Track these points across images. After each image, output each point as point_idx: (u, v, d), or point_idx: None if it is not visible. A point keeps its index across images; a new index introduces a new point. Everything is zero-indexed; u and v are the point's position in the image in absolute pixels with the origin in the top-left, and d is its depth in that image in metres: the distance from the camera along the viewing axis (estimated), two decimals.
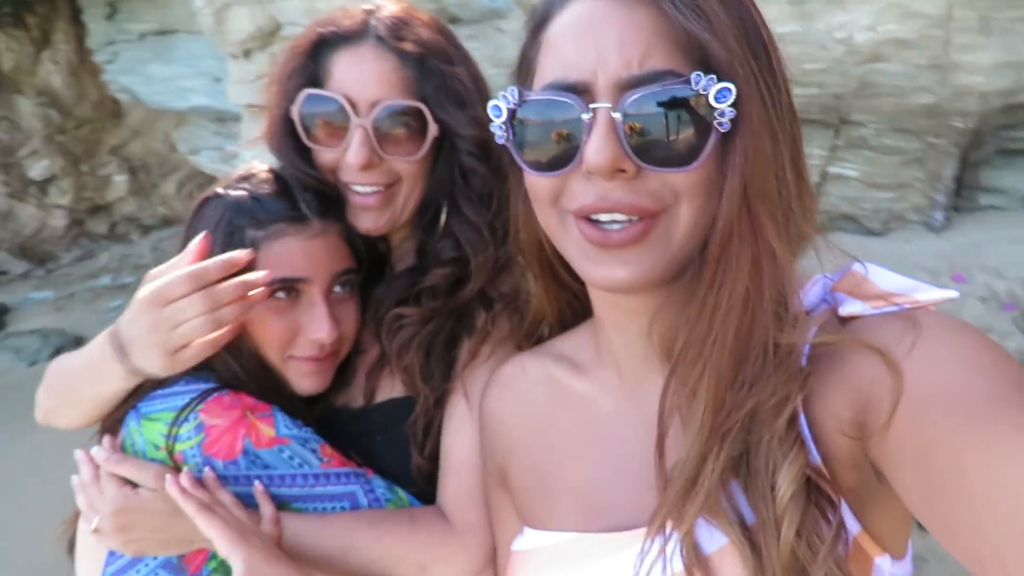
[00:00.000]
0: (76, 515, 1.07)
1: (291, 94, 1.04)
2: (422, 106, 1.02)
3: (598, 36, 0.63)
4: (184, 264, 0.95)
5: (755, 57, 0.63)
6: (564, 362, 0.84)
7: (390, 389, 1.09)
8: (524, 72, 0.72)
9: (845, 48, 2.74)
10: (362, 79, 1.00)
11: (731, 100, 0.61)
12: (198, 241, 0.96)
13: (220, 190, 1.05)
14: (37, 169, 7.98)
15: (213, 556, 1.01)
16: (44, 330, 7.20)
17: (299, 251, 1.00)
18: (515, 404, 0.88)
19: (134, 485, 0.97)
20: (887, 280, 0.67)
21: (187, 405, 0.97)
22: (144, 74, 6.72)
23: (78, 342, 7.01)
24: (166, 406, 0.98)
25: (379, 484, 1.04)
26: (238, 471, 0.97)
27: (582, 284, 0.77)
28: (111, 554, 1.00)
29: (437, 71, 1.02)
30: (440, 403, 1.05)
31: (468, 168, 1.05)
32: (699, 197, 0.64)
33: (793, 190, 0.65)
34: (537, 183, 0.70)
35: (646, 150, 0.62)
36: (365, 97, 1.00)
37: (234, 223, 1.01)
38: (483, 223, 1.05)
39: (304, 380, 1.05)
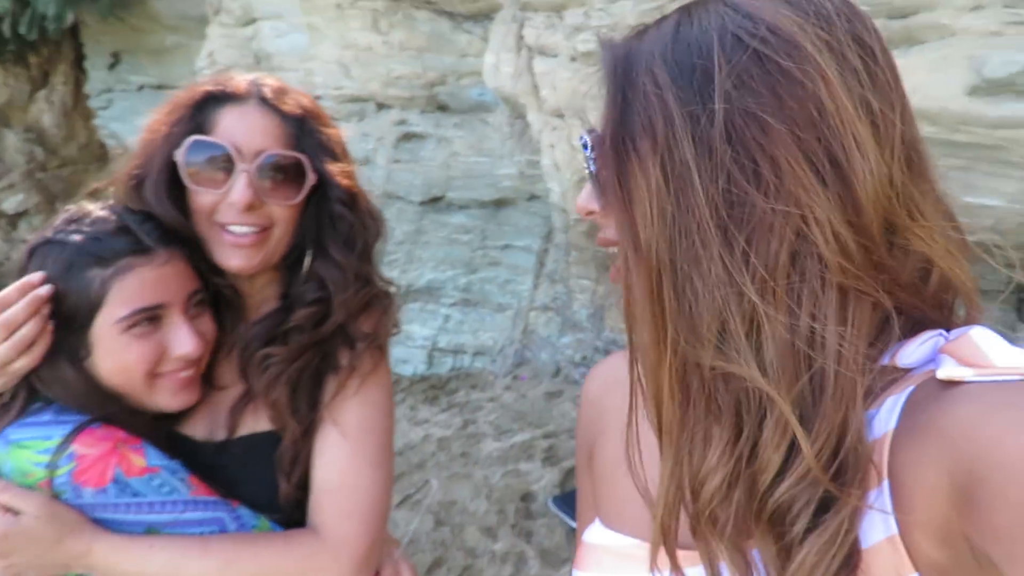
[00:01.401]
0: None
1: (175, 140, 1.12)
2: (302, 157, 1.13)
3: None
4: None
5: (631, 101, 0.68)
6: None
7: (253, 423, 1.16)
8: None
9: None
10: (248, 131, 1.12)
11: (589, 149, 0.72)
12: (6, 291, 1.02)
13: (50, 234, 1.06)
14: (11, 203, 7.94)
15: None
16: None
17: (151, 280, 1.04)
18: (612, 396, 0.90)
19: (13, 511, 0.98)
20: (1012, 354, 0.61)
21: (67, 437, 1.00)
22: (135, 123, 6.81)
23: None
24: (37, 434, 1.01)
25: (244, 511, 1.09)
26: (107, 499, 1.01)
27: None
28: None
29: (315, 129, 1.16)
30: (307, 435, 1.14)
31: (338, 214, 1.17)
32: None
33: (705, 231, 0.65)
34: None
35: (596, 195, 0.74)
36: (250, 147, 1.10)
37: (77, 265, 1.03)
38: (347, 264, 1.16)
39: (175, 396, 1.09)
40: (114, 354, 1.04)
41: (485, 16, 3.68)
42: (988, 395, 0.57)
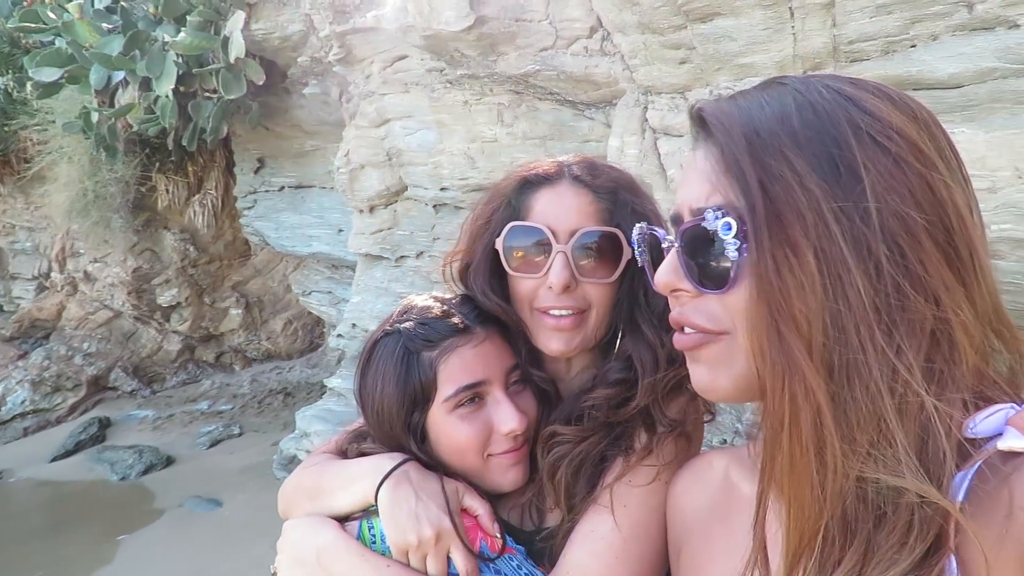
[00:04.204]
0: None
1: (497, 228, 1.15)
2: (618, 232, 1.11)
3: (685, 176, 0.77)
4: None
5: (772, 186, 0.67)
6: (745, 465, 0.87)
7: (554, 515, 1.12)
8: None
9: None
10: (562, 211, 1.11)
11: (734, 232, 0.68)
12: None
13: (388, 327, 1.17)
14: (166, 297, 8.72)
15: None
16: (139, 447, 7.50)
17: (471, 358, 1.11)
18: (695, 495, 0.92)
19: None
20: None
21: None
22: (276, 221, 7.44)
23: (169, 461, 7.26)
24: None
25: None
26: None
27: None
28: None
29: (628, 201, 1.14)
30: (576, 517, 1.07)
31: (651, 289, 1.08)
32: (749, 323, 0.68)
33: (865, 329, 0.64)
34: None
35: (694, 275, 0.73)
36: (565, 226, 1.10)
37: (410, 350, 1.12)
38: (659, 344, 1.10)
39: (507, 474, 1.12)
40: (447, 436, 1.10)
41: (607, 103, 3.78)
42: None
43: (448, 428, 1.10)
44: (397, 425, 1.11)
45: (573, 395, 1.16)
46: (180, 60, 5.47)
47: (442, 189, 4.86)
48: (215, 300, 8.98)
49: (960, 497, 0.61)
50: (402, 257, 5.40)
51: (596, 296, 1.12)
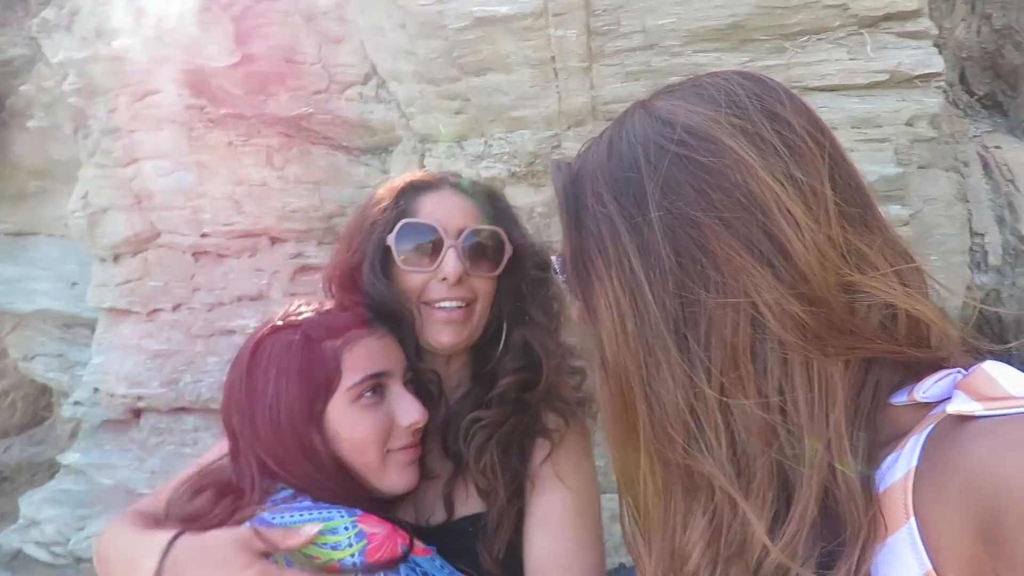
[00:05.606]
0: None
1: (387, 226, 1.21)
2: (500, 230, 1.25)
3: None
4: None
5: (584, 223, 0.74)
6: None
7: (467, 505, 1.19)
8: None
9: None
10: (449, 211, 1.24)
11: (560, 269, 0.81)
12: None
13: (279, 322, 1.14)
14: None
15: None
16: None
17: (377, 349, 1.13)
18: None
19: None
20: (1018, 383, 0.60)
21: (355, 518, 1.01)
22: None
23: None
24: (309, 518, 1.00)
25: None
26: None
27: None
28: None
29: (504, 206, 1.30)
30: (512, 502, 1.16)
31: (535, 279, 1.26)
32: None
33: (658, 332, 0.70)
34: None
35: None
36: (454, 224, 1.23)
37: (312, 339, 1.10)
38: (552, 327, 1.23)
39: (404, 473, 1.12)
40: (348, 428, 1.08)
41: (383, 149, 3.79)
42: (1001, 430, 0.57)
43: (350, 420, 1.09)
44: (300, 419, 1.07)
45: (468, 391, 1.25)
46: None
47: (203, 235, 4.48)
48: None
49: (915, 462, 0.61)
50: (156, 311, 4.85)
51: (482, 289, 1.23)
